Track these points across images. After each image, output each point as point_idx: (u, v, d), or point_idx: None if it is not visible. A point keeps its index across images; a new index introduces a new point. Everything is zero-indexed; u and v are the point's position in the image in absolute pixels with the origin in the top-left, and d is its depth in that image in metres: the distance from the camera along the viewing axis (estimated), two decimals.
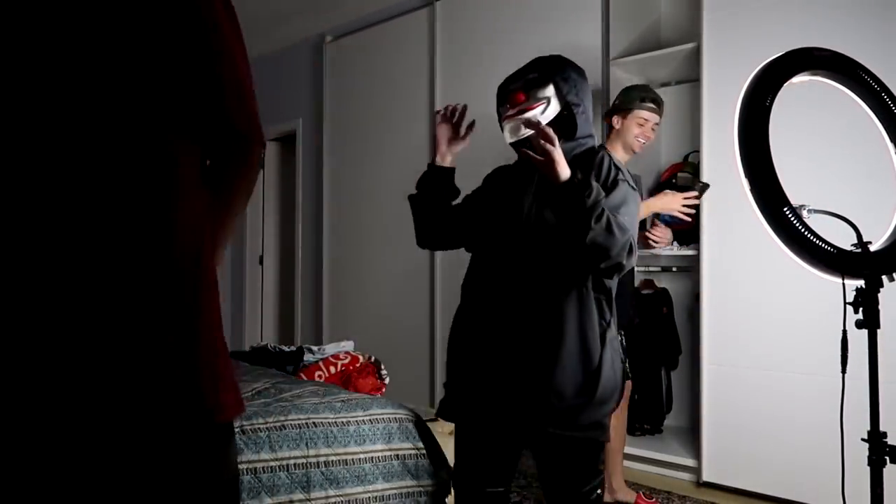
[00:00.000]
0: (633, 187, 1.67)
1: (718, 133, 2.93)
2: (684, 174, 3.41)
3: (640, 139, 2.81)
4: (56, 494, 1.01)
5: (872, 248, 1.52)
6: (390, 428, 1.84)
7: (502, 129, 1.76)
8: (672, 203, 2.80)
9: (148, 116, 1.04)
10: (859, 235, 1.52)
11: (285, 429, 1.65)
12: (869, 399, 1.48)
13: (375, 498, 1.74)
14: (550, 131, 1.51)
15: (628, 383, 2.81)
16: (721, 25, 2.95)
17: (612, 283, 1.70)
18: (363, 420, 1.80)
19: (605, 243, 1.49)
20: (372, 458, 1.77)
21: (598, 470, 1.69)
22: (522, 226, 1.68)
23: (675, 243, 3.26)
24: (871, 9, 2.60)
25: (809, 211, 1.50)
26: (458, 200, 1.90)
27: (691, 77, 3.35)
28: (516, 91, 1.71)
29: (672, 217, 3.35)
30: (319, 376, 2.81)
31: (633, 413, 3.22)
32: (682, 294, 3.55)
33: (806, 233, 1.47)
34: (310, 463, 1.65)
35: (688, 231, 3.20)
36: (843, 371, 1.47)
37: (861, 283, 1.49)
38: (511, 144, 1.75)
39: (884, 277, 1.50)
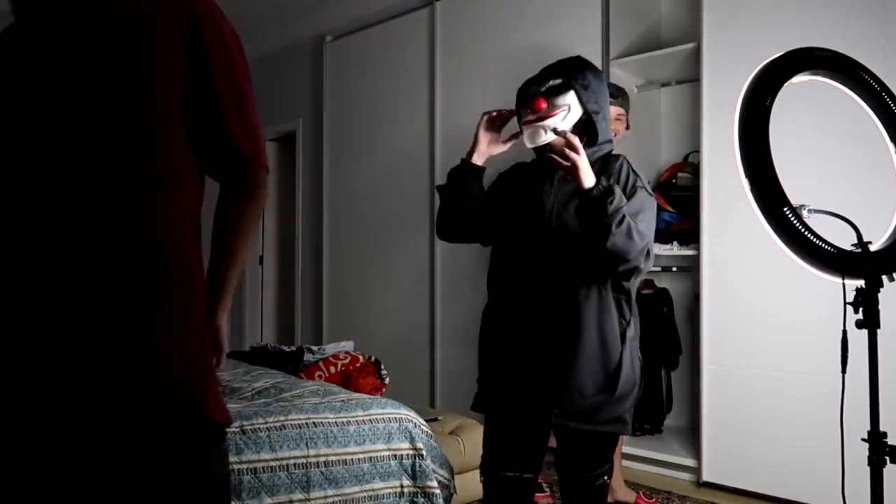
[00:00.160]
0: (650, 193, 1.73)
1: (718, 133, 2.92)
2: (684, 174, 3.41)
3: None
4: (38, 487, 1.02)
5: (872, 248, 1.52)
6: (390, 428, 1.84)
7: (521, 131, 1.79)
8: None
9: (139, 117, 1.07)
10: (859, 235, 1.51)
11: (285, 429, 1.65)
12: (869, 399, 1.48)
13: (372, 497, 1.74)
14: (576, 140, 1.55)
15: None
16: (721, 25, 2.95)
17: (633, 284, 1.76)
18: (363, 420, 1.80)
19: (624, 248, 1.56)
20: (371, 457, 1.77)
21: (608, 458, 1.79)
22: (544, 227, 1.73)
23: (674, 243, 3.26)
24: (872, 8, 2.60)
25: (809, 211, 1.50)
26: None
27: (691, 77, 3.35)
28: (536, 96, 1.73)
29: (672, 216, 3.35)
30: (319, 376, 2.81)
31: (634, 413, 3.21)
32: (682, 294, 3.55)
33: (806, 233, 1.47)
34: (310, 463, 1.65)
35: (688, 231, 3.20)
36: (844, 371, 1.47)
37: (861, 283, 1.49)
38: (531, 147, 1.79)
39: (884, 277, 1.50)
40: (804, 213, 1.49)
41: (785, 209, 1.47)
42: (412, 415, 1.93)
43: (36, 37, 1.11)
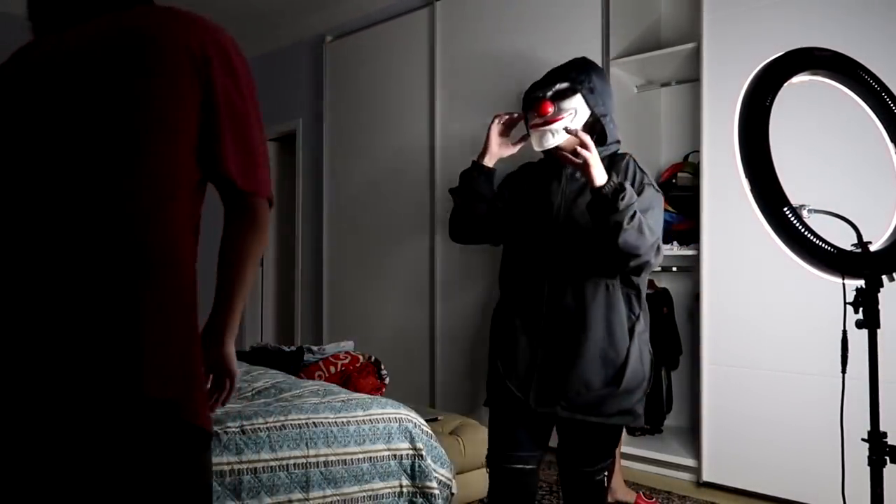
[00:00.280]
0: (657, 191, 1.78)
1: (718, 133, 2.92)
2: (684, 174, 3.41)
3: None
4: (15, 481, 1.03)
5: (872, 247, 1.52)
6: (390, 428, 1.84)
7: (528, 134, 1.82)
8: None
9: (133, 122, 1.11)
10: (859, 235, 1.51)
11: (285, 429, 1.65)
12: (869, 399, 1.48)
13: (371, 497, 1.74)
14: (587, 137, 1.57)
15: None
16: (721, 25, 2.95)
17: (642, 280, 1.80)
18: (363, 420, 1.80)
19: (636, 243, 1.60)
20: (371, 457, 1.77)
21: (610, 452, 1.82)
22: (552, 224, 1.77)
23: (674, 243, 3.26)
24: (873, 8, 2.60)
25: (809, 211, 1.50)
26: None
27: (691, 77, 3.35)
28: (543, 100, 1.75)
29: (672, 216, 3.35)
30: (319, 376, 2.81)
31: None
32: (683, 294, 3.55)
33: (806, 233, 1.47)
34: (309, 463, 1.65)
35: (688, 231, 3.20)
36: (844, 371, 1.47)
37: (861, 282, 1.49)
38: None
39: (884, 277, 1.50)
40: (804, 213, 1.49)
41: (785, 209, 1.47)
42: (412, 415, 1.93)
43: (50, 51, 1.17)
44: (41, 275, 1.05)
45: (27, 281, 1.06)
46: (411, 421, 1.90)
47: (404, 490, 1.82)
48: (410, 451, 1.85)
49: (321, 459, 1.68)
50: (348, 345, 3.15)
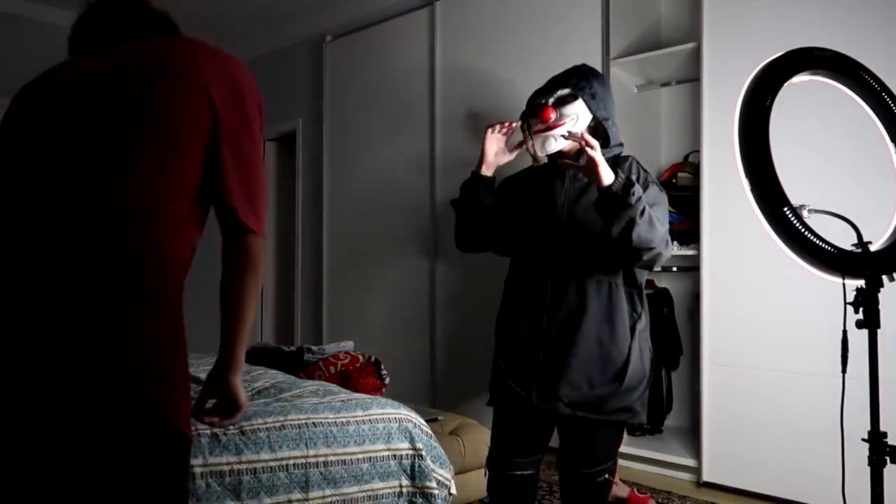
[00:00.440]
0: (661, 190, 1.82)
1: (719, 133, 2.92)
2: (684, 174, 3.41)
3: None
4: None
5: (873, 247, 1.52)
6: (390, 428, 1.84)
7: (524, 141, 1.87)
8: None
9: (131, 132, 1.17)
10: (860, 235, 1.51)
11: (285, 429, 1.64)
12: (869, 399, 1.47)
13: (371, 497, 1.74)
14: (592, 139, 1.58)
15: None
16: (721, 25, 2.95)
17: (642, 278, 1.83)
18: (363, 420, 1.80)
19: (648, 236, 1.63)
20: (370, 458, 1.77)
21: (612, 453, 1.84)
22: (555, 223, 1.80)
23: (675, 243, 3.26)
24: (874, 7, 2.60)
25: (810, 211, 1.50)
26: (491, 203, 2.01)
27: (691, 77, 3.35)
28: (545, 107, 1.79)
29: (673, 216, 3.35)
30: (319, 376, 2.81)
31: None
32: (683, 294, 3.55)
33: (806, 233, 1.47)
34: (309, 463, 1.65)
35: (688, 231, 3.19)
36: (844, 371, 1.47)
37: (861, 282, 1.48)
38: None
39: (884, 277, 1.50)
40: (804, 213, 1.49)
41: (785, 209, 1.47)
42: (412, 415, 1.92)
43: (75, 68, 1.26)
44: (30, 270, 1.07)
45: (17, 275, 1.08)
46: (411, 421, 1.89)
47: (404, 490, 1.82)
48: (410, 452, 1.85)
49: (321, 459, 1.68)
50: (348, 345, 3.15)
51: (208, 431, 1.53)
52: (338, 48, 4.81)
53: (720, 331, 2.93)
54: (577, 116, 1.77)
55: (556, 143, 1.76)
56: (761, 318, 2.81)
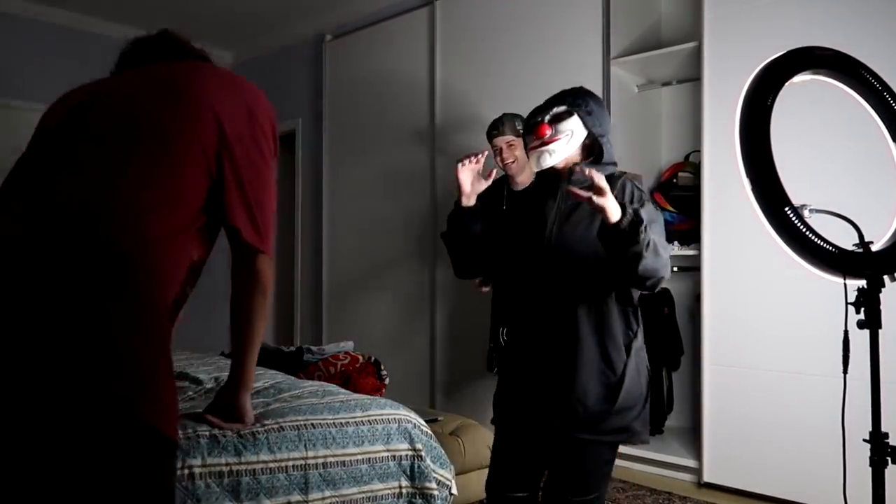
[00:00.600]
0: (656, 206, 1.82)
1: (719, 132, 2.92)
2: (685, 174, 3.40)
3: (504, 162, 3.06)
4: None
5: (874, 247, 1.51)
6: (389, 429, 1.83)
7: (528, 157, 1.89)
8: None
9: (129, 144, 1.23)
10: (861, 235, 1.51)
11: (284, 430, 1.64)
12: (871, 400, 1.47)
13: (370, 498, 1.74)
14: (602, 181, 1.55)
15: None
16: (722, 24, 2.95)
17: (637, 295, 1.81)
18: (362, 421, 1.79)
19: (654, 266, 1.63)
20: (370, 458, 1.76)
21: (603, 481, 1.82)
22: (545, 242, 1.80)
23: (675, 243, 3.25)
24: (875, 6, 2.59)
25: (811, 211, 1.50)
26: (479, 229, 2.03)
27: (692, 76, 3.35)
28: (541, 124, 1.81)
29: (673, 216, 3.34)
30: (319, 377, 2.80)
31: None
32: (684, 294, 3.55)
33: (807, 233, 1.46)
34: (308, 464, 1.64)
35: (689, 231, 3.19)
36: (845, 371, 1.47)
37: (863, 283, 1.48)
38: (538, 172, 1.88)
39: (885, 277, 1.49)
40: (805, 213, 1.49)
41: (786, 209, 1.46)
42: (412, 415, 1.92)
43: (102, 86, 1.36)
44: (21, 264, 1.08)
45: (8, 268, 1.09)
46: (410, 421, 1.89)
47: (403, 491, 1.81)
48: (409, 452, 1.84)
49: (320, 461, 1.67)
50: (348, 345, 3.14)
51: (207, 432, 1.52)
52: (337, 48, 4.80)
53: (721, 331, 2.92)
54: (573, 132, 1.78)
55: (551, 157, 1.78)
56: (762, 319, 2.80)
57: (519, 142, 3.02)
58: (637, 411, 1.79)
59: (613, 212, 1.58)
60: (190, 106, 1.26)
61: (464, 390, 3.89)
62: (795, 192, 1.50)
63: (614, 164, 1.85)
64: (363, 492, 1.72)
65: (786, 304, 2.73)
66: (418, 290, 4.17)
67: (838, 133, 2.60)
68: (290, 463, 1.61)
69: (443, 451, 1.94)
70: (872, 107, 1.64)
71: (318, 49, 4.97)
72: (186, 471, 1.46)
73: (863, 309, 1.47)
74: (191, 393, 2.02)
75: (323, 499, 1.65)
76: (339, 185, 4.80)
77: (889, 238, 1.58)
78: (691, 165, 3.40)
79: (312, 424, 1.70)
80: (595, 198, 1.55)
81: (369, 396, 1.99)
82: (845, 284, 1.47)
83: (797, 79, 1.58)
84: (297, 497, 1.61)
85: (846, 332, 1.46)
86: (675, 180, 3.42)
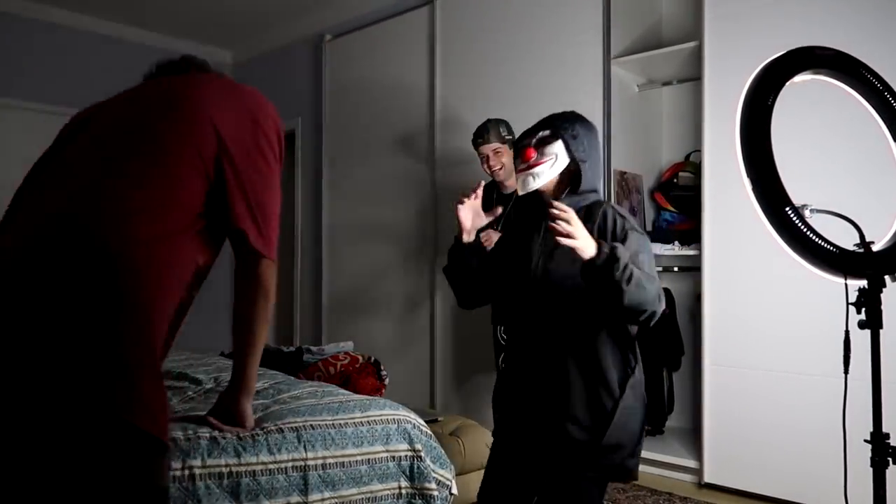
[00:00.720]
0: (641, 233, 1.78)
1: (720, 132, 2.91)
2: (686, 173, 3.40)
3: (491, 169, 3.10)
4: None
5: (875, 247, 1.51)
6: (389, 429, 1.83)
7: (516, 180, 1.90)
8: None
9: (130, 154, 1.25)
10: (862, 235, 1.50)
11: (283, 432, 1.63)
12: (871, 400, 1.47)
13: (370, 499, 1.73)
14: (572, 215, 1.56)
15: None
16: (722, 24, 2.94)
17: (634, 328, 1.81)
18: (361, 422, 1.79)
19: (639, 299, 1.61)
20: (369, 459, 1.76)
21: None
22: (531, 277, 1.81)
23: (676, 243, 3.25)
24: (876, 5, 2.59)
25: (812, 211, 1.49)
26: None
27: (693, 76, 3.34)
28: (527, 147, 1.83)
29: (674, 216, 3.34)
30: (319, 377, 2.80)
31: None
32: (684, 294, 3.54)
33: (808, 233, 1.46)
34: (308, 465, 1.64)
35: (689, 231, 3.19)
36: (846, 372, 1.47)
37: (864, 283, 1.48)
38: (521, 197, 1.88)
39: (886, 277, 1.49)
40: (806, 213, 1.48)
41: (787, 209, 1.46)
42: (411, 416, 1.91)
43: (114, 99, 1.41)
44: (18, 266, 1.10)
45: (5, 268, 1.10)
46: (410, 422, 1.88)
47: (403, 492, 1.81)
48: (409, 453, 1.83)
49: (319, 462, 1.67)
50: (348, 345, 3.14)
51: (207, 434, 1.52)
52: (337, 47, 4.80)
53: (721, 331, 2.92)
54: (557, 156, 1.79)
55: (535, 181, 1.79)
56: (763, 319, 2.80)
57: (505, 148, 3.06)
58: (629, 450, 1.75)
59: (586, 249, 1.58)
60: (185, 111, 1.28)
61: (464, 391, 3.89)
62: (796, 191, 1.49)
63: (594, 191, 1.83)
64: (363, 492, 1.72)
65: (786, 305, 2.72)
66: (418, 290, 4.17)
67: (839, 133, 2.60)
68: (290, 464, 1.61)
69: (443, 452, 1.94)
70: (873, 107, 1.64)
71: (318, 49, 4.97)
72: (187, 472, 1.46)
73: (864, 309, 1.47)
74: (190, 393, 2.02)
75: (322, 500, 1.64)
76: (339, 184, 4.80)
77: (890, 238, 1.57)
78: (692, 165, 3.40)
79: (311, 425, 1.70)
80: (562, 240, 1.56)
81: (368, 397, 1.98)
82: (846, 284, 1.46)
83: (798, 78, 1.57)
84: (296, 498, 1.61)
85: (847, 332, 1.46)
86: (675, 180, 3.42)
